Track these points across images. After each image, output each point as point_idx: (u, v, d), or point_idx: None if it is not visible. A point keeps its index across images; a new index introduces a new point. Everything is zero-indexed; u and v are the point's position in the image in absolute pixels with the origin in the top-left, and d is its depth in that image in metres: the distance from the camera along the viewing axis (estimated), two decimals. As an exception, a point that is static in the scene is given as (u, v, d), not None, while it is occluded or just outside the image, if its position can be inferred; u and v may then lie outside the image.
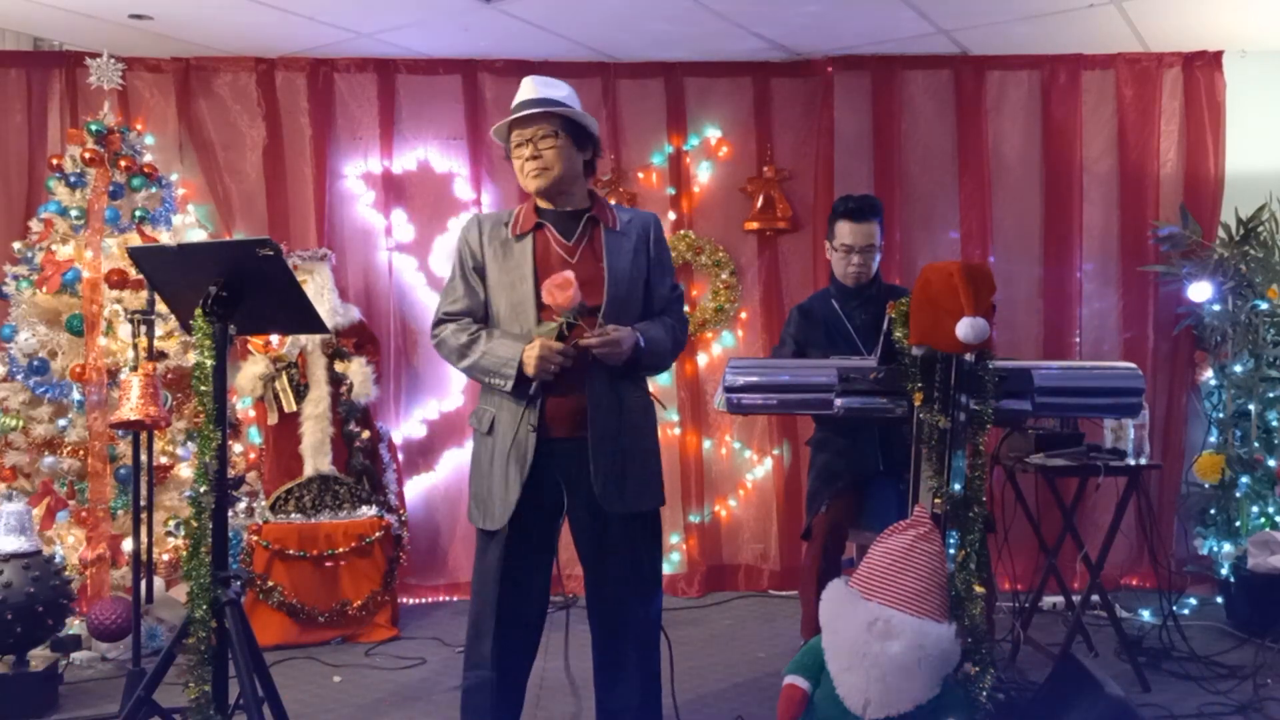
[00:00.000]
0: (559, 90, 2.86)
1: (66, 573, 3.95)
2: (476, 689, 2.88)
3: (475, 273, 2.89)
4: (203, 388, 2.54)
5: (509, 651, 2.86)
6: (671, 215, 5.22)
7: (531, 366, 2.70)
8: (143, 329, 3.77)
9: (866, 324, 3.66)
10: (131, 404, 3.60)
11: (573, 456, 2.78)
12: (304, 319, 2.71)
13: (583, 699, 3.67)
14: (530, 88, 2.85)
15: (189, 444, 4.53)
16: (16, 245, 4.52)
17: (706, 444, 5.27)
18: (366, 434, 4.80)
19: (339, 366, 4.74)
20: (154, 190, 4.62)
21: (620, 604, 2.87)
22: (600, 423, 2.77)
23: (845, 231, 3.71)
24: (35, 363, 4.31)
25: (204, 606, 2.50)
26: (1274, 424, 4.69)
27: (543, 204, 2.89)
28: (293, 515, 4.53)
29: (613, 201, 5.03)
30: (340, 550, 4.45)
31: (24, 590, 3.60)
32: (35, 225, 4.51)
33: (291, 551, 4.40)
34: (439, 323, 2.92)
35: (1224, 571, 4.63)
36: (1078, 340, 5.12)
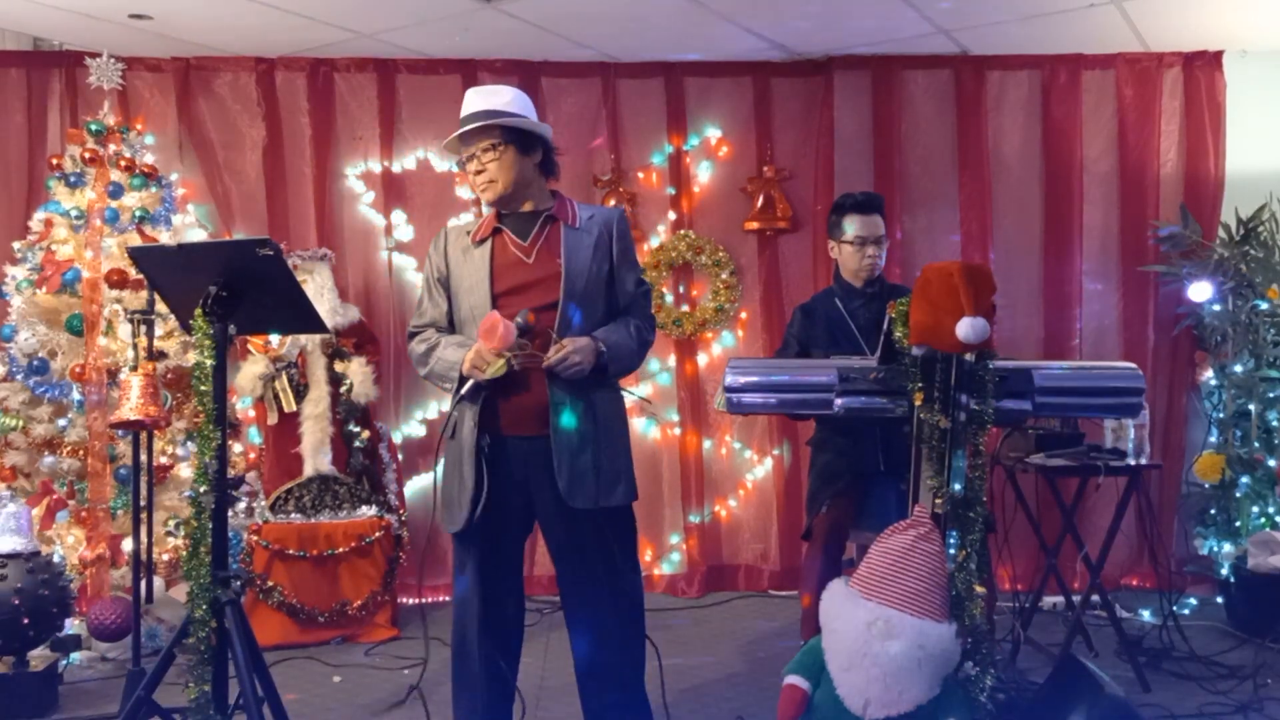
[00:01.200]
0: (500, 98, 2.85)
1: (67, 573, 3.95)
2: (466, 699, 2.88)
3: (440, 284, 2.94)
4: (203, 388, 2.54)
5: (493, 654, 2.86)
6: (671, 215, 5.23)
7: (466, 365, 2.74)
8: (143, 329, 3.78)
9: (870, 323, 3.66)
10: (131, 404, 3.60)
11: (536, 455, 2.78)
12: (304, 319, 2.71)
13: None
14: (471, 100, 2.86)
15: (189, 444, 4.53)
16: (16, 245, 4.52)
17: (706, 444, 5.27)
18: (366, 434, 4.80)
19: (339, 366, 4.75)
20: (154, 190, 4.62)
21: (596, 604, 2.85)
22: (564, 419, 2.77)
23: (856, 224, 3.70)
24: (35, 363, 4.31)
25: (204, 606, 2.50)
26: (1274, 424, 4.69)
27: (503, 210, 2.91)
28: (292, 515, 4.53)
29: (612, 202, 5.08)
30: (340, 550, 4.45)
31: (22, 591, 3.60)
32: (35, 225, 4.51)
33: (291, 551, 4.40)
34: (410, 337, 2.99)
35: (1224, 571, 4.63)
36: (1078, 340, 5.13)
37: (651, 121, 5.22)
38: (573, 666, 2.90)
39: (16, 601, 3.57)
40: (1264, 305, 4.69)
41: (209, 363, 2.53)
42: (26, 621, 3.60)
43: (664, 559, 5.22)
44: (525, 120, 2.84)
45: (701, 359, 5.27)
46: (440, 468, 2.92)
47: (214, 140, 5.04)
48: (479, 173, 2.83)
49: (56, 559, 3.94)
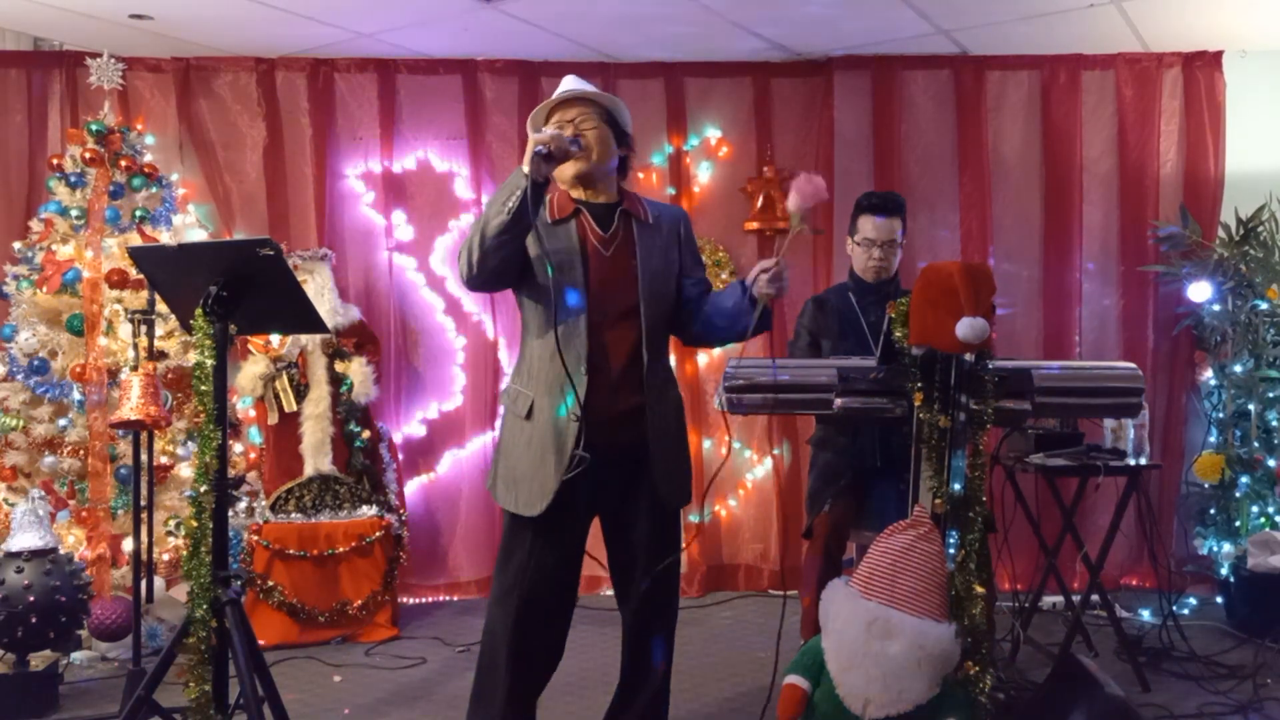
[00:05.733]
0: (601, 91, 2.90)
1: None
2: (484, 699, 2.84)
3: None
4: (203, 388, 2.54)
5: (532, 649, 2.82)
6: (671, 215, 5.23)
7: (527, 158, 2.55)
8: (143, 329, 3.78)
9: (880, 321, 3.66)
10: (131, 404, 3.60)
11: (619, 457, 2.74)
12: (304, 319, 2.71)
13: (585, 697, 3.67)
14: (573, 82, 2.86)
15: (189, 444, 4.53)
16: (17, 245, 4.52)
17: (706, 444, 5.27)
18: (367, 434, 4.80)
19: (339, 366, 4.75)
20: (154, 190, 4.62)
21: (650, 615, 2.87)
22: (658, 423, 2.78)
23: (868, 226, 3.71)
24: (35, 363, 4.31)
25: (204, 606, 2.50)
26: (1274, 424, 4.69)
27: (575, 193, 2.83)
28: (293, 515, 4.53)
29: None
30: (340, 550, 4.45)
31: (47, 588, 3.60)
32: (35, 225, 4.51)
33: (292, 551, 4.40)
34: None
35: (1224, 571, 4.63)
36: (1078, 340, 5.13)
37: (651, 121, 5.21)
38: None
39: (41, 598, 3.58)
40: (1264, 305, 4.69)
41: (209, 363, 2.53)
42: (49, 619, 3.60)
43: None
44: (625, 113, 2.85)
45: (701, 359, 5.26)
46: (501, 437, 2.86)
47: (214, 140, 5.03)
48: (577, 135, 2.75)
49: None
